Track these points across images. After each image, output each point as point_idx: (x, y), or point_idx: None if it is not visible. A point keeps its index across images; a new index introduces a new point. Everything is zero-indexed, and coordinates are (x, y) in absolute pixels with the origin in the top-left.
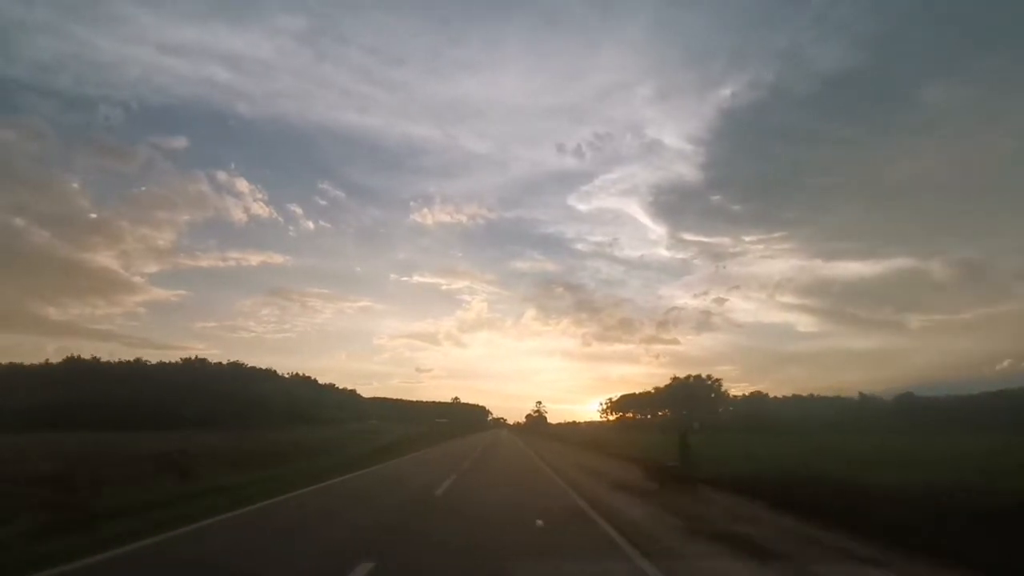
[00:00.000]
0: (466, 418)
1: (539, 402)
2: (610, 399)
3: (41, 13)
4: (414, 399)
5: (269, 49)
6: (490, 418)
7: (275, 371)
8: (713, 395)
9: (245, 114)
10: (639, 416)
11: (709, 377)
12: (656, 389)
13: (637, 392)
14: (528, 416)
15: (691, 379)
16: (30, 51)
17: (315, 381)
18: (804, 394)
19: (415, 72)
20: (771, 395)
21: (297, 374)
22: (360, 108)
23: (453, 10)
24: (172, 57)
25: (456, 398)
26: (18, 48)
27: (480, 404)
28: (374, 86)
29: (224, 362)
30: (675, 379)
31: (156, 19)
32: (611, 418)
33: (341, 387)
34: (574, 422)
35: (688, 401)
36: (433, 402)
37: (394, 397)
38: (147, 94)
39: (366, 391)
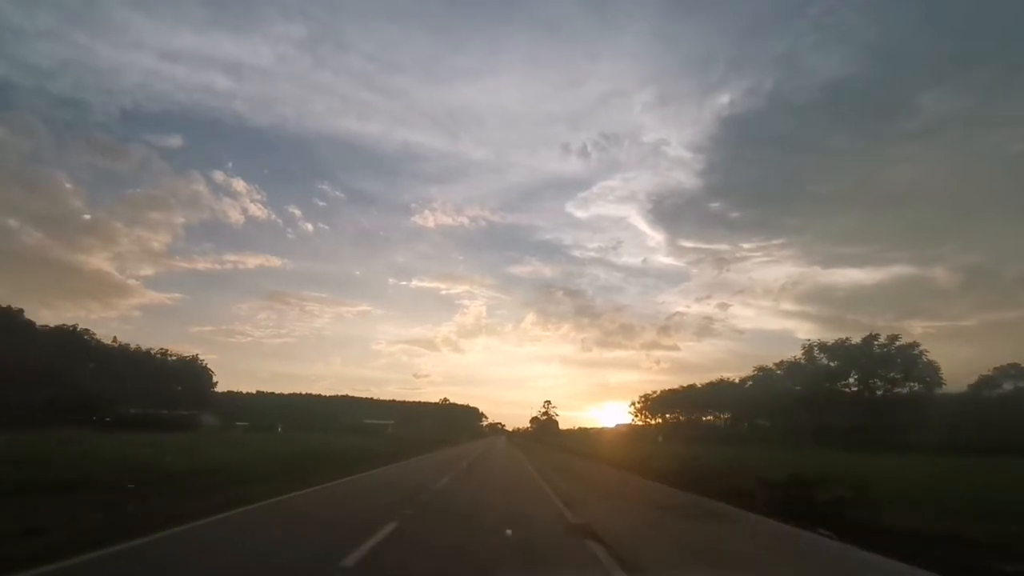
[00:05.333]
0: (451, 422)
1: (548, 402)
2: (645, 396)
3: (42, 19)
4: (380, 398)
5: (268, 56)
6: (485, 423)
7: None
8: (915, 387)
9: (244, 120)
10: (683, 418)
11: (893, 339)
12: (761, 368)
13: (699, 384)
14: (533, 420)
15: (847, 344)
16: (30, 55)
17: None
18: None
19: (414, 79)
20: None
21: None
22: (359, 114)
23: (453, 18)
24: (171, 63)
25: (445, 399)
26: (17, 51)
27: (472, 406)
28: (374, 93)
29: None
30: (818, 345)
31: (156, 26)
32: (653, 422)
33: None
34: (582, 428)
35: (818, 384)
36: (404, 402)
37: (366, 396)
38: (146, 100)
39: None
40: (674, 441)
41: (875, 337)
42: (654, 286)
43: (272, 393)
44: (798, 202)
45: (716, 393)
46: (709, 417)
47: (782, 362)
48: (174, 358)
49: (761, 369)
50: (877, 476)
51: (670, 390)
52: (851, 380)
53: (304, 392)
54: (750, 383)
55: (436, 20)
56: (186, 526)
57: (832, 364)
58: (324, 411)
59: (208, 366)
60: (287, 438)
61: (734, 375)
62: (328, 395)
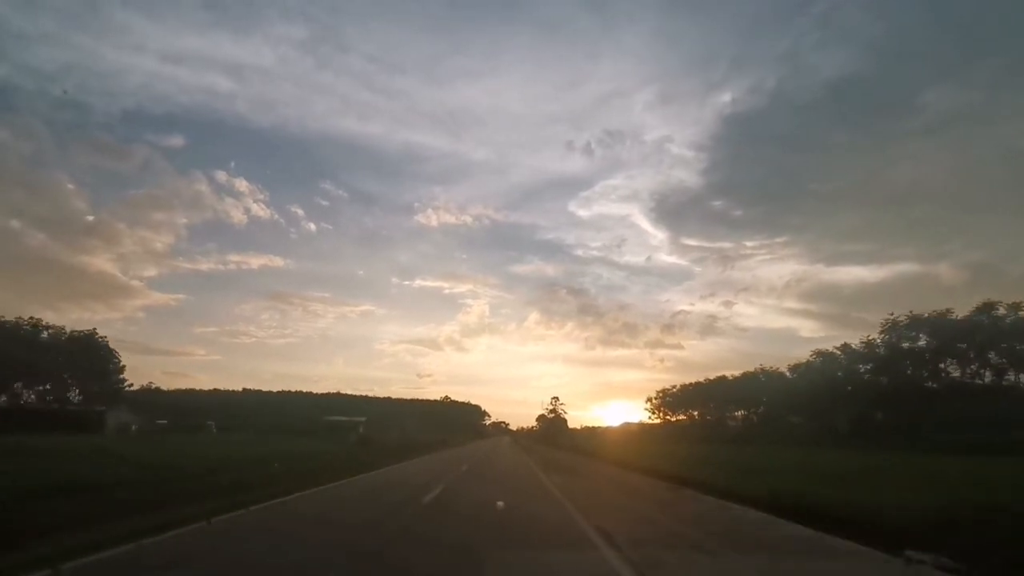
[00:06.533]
0: (450, 421)
1: (555, 398)
2: (663, 391)
3: (44, 23)
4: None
5: (270, 57)
6: (488, 422)
7: None
8: None
9: (246, 120)
10: (709, 416)
11: (1015, 307)
12: (820, 353)
13: (733, 376)
14: (540, 418)
15: (950, 316)
16: (32, 58)
17: None
18: None
19: (416, 80)
20: None
21: None
22: (361, 115)
23: (454, 19)
24: (174, 65)
25: (446, 396)
26: (20, 55)
27: (475, 404)
28: (375, 93)
29: None
30: (907, 321)
31: (158, 28)
32: (674, 419)
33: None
34: (588, 427)
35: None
36: (401, 400)
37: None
38: (148, 101)
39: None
40: (745, 444)
41: (992, 306)
42: (657, 284)
43: (259, 390)
44: (801, 200)
45: (750, 386)
46: (740, 412)
47: (846, 345)
48: (50, 330)
49: (820, 354)
50: None
51: (693, 384)
52: (950, 363)
53: (295, 390)
54: (801, 370)
55: (437, 21)
56: None
57: (923, 343)
58: (310, 409)
59: (112, 346)
60: (196, 442)
61: (778, 366)
62: (318, 393)
